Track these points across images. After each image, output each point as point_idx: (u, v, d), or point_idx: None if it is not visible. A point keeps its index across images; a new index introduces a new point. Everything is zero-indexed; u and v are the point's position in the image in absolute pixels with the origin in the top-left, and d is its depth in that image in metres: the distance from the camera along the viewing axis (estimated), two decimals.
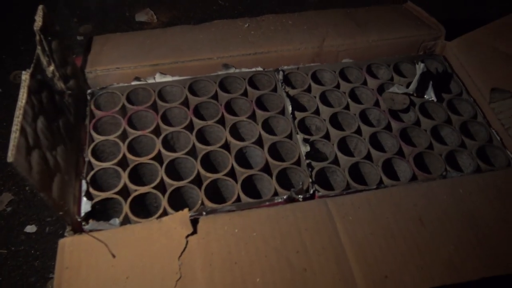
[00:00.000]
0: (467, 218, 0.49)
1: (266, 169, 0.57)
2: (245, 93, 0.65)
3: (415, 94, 0.64)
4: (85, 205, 0.51)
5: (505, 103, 0.61)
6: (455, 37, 0.72)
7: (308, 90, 0.67)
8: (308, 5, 1.22)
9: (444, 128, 0.61)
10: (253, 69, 0.67)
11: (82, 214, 0.50)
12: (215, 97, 0.65)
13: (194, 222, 0.48)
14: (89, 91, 0.63)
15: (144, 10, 1.18)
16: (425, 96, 0.64)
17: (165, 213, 0.52)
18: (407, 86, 0.65)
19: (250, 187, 0.56)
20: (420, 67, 0.63)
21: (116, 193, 0.53)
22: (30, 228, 0.78)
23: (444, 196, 0.51)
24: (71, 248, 0.46)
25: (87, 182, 0.53)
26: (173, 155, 0.57)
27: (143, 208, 0.55)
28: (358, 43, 0.70)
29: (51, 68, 0.53)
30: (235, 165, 0.56)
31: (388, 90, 0.65)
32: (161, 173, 0.55)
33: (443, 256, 0.47)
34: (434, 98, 0.63)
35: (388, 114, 0.62)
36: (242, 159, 0.59)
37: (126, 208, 0.52)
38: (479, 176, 0.54)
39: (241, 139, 0.60)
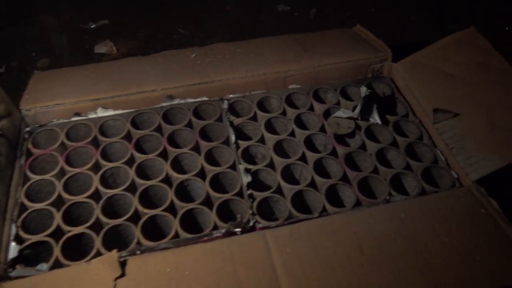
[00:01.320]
0: (408, 244, 0.48)
1: (208, 201, 0.56)
2: (189, 124, 0.64)
3: (359, 118, 0.63)
4: (13, 250, 0.49)
5: (448, 123, 0.60)
6: (401, 59, 0.72)
7: (254, 118, 0.66)
8: (269, 30, 1.22)
9: (389, 151, 0.61)
10: (198, 99, 0.67)
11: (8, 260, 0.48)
12: (159, 129, 0.64)
13: (126, 263, 0.46)
14: (27, 129, 0.62)
15: (104, 41, 1.18)
16: (370, 120, 0.64)
17: (98, 255, 0.50)
18: (354, 110, 0.65)
19: (191, 222, 0.54)
20: (363, 90, 0.63)
21: (48, 235, 0.51)
22: None
23: (386, 222, 0.50)
24: None
25: (16, 226, 0.51)
26: (111, 191, 0.55)
27: (80, 250, 0.53)
28: (305, 68, 0.70)
29: None
30: (175, 200, 0.54)
31: (334, 114, 0.64)
32: (97, 211, 0.53)
33: (382, 286, 0.45)
34: (379, 121, 0.63)
35: (334, 139, 0.62)
36: (183, 192, 0.57)
37: (57, 251, 0.49)
38: (422, 199, 0.53)
39: (183, 171, 0.58)
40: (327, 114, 0.65)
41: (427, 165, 0.58)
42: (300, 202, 0.56)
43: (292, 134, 0.63)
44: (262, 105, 0.67)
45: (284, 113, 0.66)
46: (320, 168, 0.59)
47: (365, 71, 0.73)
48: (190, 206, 0.54)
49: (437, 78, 0.66)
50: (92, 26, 1.24)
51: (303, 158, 0.60)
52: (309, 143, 0.62)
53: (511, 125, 0.57)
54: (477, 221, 0.50)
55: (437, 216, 0.51)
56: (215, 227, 0.52)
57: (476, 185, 0.54)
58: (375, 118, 0.63)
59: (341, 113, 0.64)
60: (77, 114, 0.63)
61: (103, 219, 0.52)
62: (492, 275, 0.46)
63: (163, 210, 0.53)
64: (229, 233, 0.50)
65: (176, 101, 0.66)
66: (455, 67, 0.66)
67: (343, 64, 0.71)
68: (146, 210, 0.53)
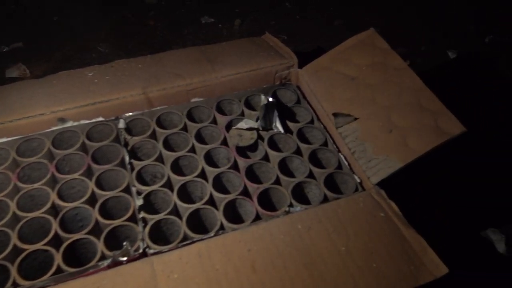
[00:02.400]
0: (303, 257, 0.46)
1: (97, 230, 0.52)
2: (83, 147, 0.60)
3: (261, 128, 0.61)
4: None
5: (350, 127, 0.59)
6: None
7: (153, 136, 0.62)
8: (194, 43, 1.20)
9: (293, 160, 0.59)
10: (93, 120, 0.62)
11: None
12: (49, 155, 0.59)
13: None
14: None
15: (16, 65, 1.11)
16: (273, 129, 0.62)
17: None
18: (258, 120, 0.62)
19: (77, 254, 0.50)
20: (261, 98, 0.60)
21: None
22: None
23: (282, 236, 0.48)
24: None
25: None
26: None
27: None
28: (208, 80, 0.67)
29: None
30: (59, 231, 0.50)
31: (235, 126, 0.62)
32: None
33: None
34: (281, 130, 0.61)
35: (235, 151, 0.59)
36: (71, 222, 0.53)
37: None
38: (321, 208, 0.51)
39: (72, 199, 0.54)
40: (230, 126, 0.63)
41: (330, 171, 0.56)
42: (198, 222, 0.52)
43: (193, 150, 0.60)
44: (162, 122, 0.64)
45: (185, 128, 0.63)
46: (220, 184, 0.56)
47: (272, 79, 0.71)
48: (75, 237, 0.49)
49: (339, 82, 0.65)
50: (5, 50, 1.17)
51: (203, 175, 0.57)
52: (210, 158, 0.59)
53: (407, 124, 0.56)
54: (375, 225, 0.49)
55: (335, 224, 0.49)
56: (103, 257, 0.48)
57: (376, 188, 0.53)
58: (278, 127, 0.61)
59: (243, 124, 0.61)
60: None
61: None
62: (388, 281, 0.44)
63: (46, 244, 0.49)
64: (116, 263, 0.47)
65: (68, 124, 0.62)
66: (357, 69, 0.65)
67: (248, 73, 0.69)
68: (25, 246, 0.49)
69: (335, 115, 0.59)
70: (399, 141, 0.55)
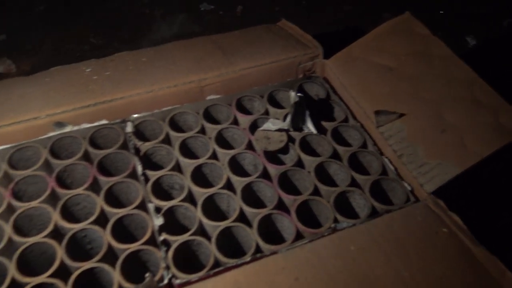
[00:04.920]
0: (361, 286, 0.39)
1: (111, 256, 0.44)
2: (86, 156, 0.52)
3: (292, 129, 0.53)
4: None
5: (393, 126, 0.52)
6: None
7: (167, 140, 0.54)
8: (192, 32, 1.11)
9: (330, 165, 0.51)
10: (96, 124, 0.54)
11: None
12: (47, 167, 0.51)
13: None
14: None
15: (1, 59, 1.01)
16: (304, 129, 0.54)
17: None
18: (285, 119, 0.55)
19: (91, 286, 0.42)
20: (291, 95, 0.53)
21: None
22: None
23: (333, 260, 0.40)
24: None
25: None
26: None
27: None
28: (224, 74, 0.59)
29: None
30: (66, 260, 0.42)
31: (262, 127, 0.54)
32: None
33: None
34: (314, 130, 0.53)
35: (264, 157, 0.51)
36: (79, 247, 0.45)
37: None
38: (373, 224, 0.44)
39: (77, 219, 0.46)
40: (254, 127, 0.55)
41: (376, 178, 0.49)
42: (229, 242, 0.45)
43: (214, 156, 0.52)
44: (176, 124, 0.56)
45: (203, 130, 0.55)
46: (251, 195, 0.48)
47: (295, 71, 0.63)
48: (86, 266, 0.42)
49: (374, 73, 0.57)
50: None
51: (229, 185, 0.49)
52: (236, 165, 0.51)
53: (462, 123, 0.49)
54: (439, 244, 0.42)
55: (393, 244, 0.42)
56: None
57: (433, 198, 0.46)
58: (309, 127, 0.54)
59: (270, 124, 0.53)
60: None
61: None
62: None
63: (51, 276, 0.41)
64: None
65: (67, 129, 0.53)
66: (393, 59, 0.58)
67: (268, 66, 0.61)
68: (26, 279, 0.41)
69: (377, 112, 0.52)
70: (455, 143, 0.48)
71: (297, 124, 0.53)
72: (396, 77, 0.56)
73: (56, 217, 0.45)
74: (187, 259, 0.44)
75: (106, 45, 1.08)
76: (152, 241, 0.44)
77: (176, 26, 1.14)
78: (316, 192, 0.49)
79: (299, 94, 0.54)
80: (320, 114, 0.56)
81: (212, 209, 0.48)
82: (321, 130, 0.54)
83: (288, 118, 0.53)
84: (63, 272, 0.42)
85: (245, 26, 1.14)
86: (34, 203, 0.46)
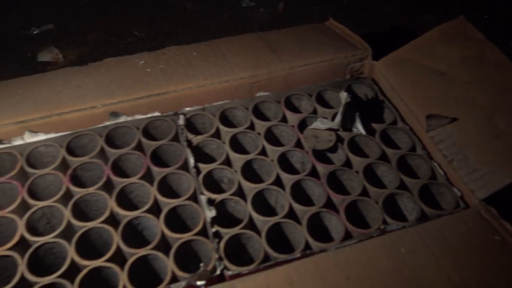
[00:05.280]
0: None
1: (164, 244, 0.45)
2: (139, 146, 0.53)
3: (341, 129, 0.54)
4: None
5: (444, 131, 0.52)
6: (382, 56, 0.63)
7: (217, 134, 0.55)
8: (234, 28, 1.12)
9: (379, 167, 0.51)
10: (149, 115, 0.56)
11: None
12: (102, 154, 0.53)
13: None
14: None
15: (48, 48, 1.04)
16: (353, 130, 0.54)
17: None
18: (334, 118, 0.55)
19: (143, 273, 0.44)
20: (343, 96, 0.53)
21: None
22: None
23: (384, 261, 0.41)
24: None
25: None
26: (40, 239, 0.44)
27: None
28: (274, 72, 0.60)
29: None
30: (122, 245, 0.44)
31: (311, 126, 0.54)
32: (22, 268, 0.42)
33: None
34: (363, 131, 0.54)
35: (312, 155, 0.52)
36: (134, 233, 0.46)
37: None
38: (423, 227, 0.44)
39: (132, 206, 0.47)
40: (302, 125, 0.55)
41: (425, 182, 0.49)
42: (277, 237, 0.46)
43: (263, 151, 0.53)
44: (225, 118, 0.57)
45: (252, 126, 0.56)
46: (299, 193, 0.49)
47: (342, 72, 0.63)
48: (141, 252, 0.43)
49: (426, 77, 0.57)
50: (35, 32, 1.11)
51: (278, 181, 0.50)
52: (284, 162, 0.52)
53: None
54: (492, 251, 0.42)
55: (444, 249, 0.42)
56: (174, 279, 0.42)
57: (484, 205, 0.46)
58: (359, 128, 0.54)
59: (319, 123, 0.54)
60: None
61: (30, 277, 0.41)
62: None
63: (107, 260, 0.43)
64: (190, 287, 0.40)
65: (122, 119, 0.55)
66: (446, 63, 0.57)
67: (317, 65, 0.61)
68: (85, 262, 0.42)
69: (429, 116, 0.52)
70: (509, 150, 0.48)
71: (346, 124, 0.54)
72: (448, 82, 0.55)
73: (112, 203, 0.47)
74: (237, 252, 0.45)
75: (149, 38, 1.10)
76: (202, 232, 0.45)
77: (218, 22, 1.15)
78: (364, 192, 0.49)
79: (350, 95, 0.54)
80: (369, 115, 0.56)
81: (261, 204, 0.49)
82: (369, 131, 0.54)
83: (338, 118, 0.53)
84: (118, 258, 0.44)
85: (285, 23, 1.15)
86: (91, 189, 0.48)
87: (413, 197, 0.48)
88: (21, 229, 0.45)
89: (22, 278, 0.42)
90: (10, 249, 0.43)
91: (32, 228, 0.45)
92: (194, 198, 0.48)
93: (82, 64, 0.64)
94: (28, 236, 0.44)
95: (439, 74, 0.56)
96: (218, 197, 0.47)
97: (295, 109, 0.59)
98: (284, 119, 0.57)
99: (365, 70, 0.64)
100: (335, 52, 0.63)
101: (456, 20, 0.60)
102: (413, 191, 0.48)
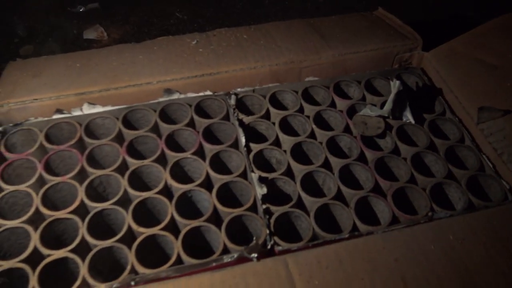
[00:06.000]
0: (460, 275, 0.40)
1: (216, 217, 0.47)
2: (191, 123, 0.55)
3: (390, 117, 0.54)
4: None
5: (495, 124, 0.52)
6: (432, 47, 0.63)
7: (267, 116, 0.57)
8: (275, 14, 1.12)
9: (427, 156, 0.52)
10: (201, 94, 0.57)
11: None
12: (155, 129, 0.54)
13: None
14: None
15: (93, 26, 1.07)
16: (402, 118, 0.55)
17: (85, 285, 0.41)
18: (382, 106, 0.56)
19: (196, 242, 0.45)
20: (395, 84, 0.53)
21: (23, 260, 0.42)
22: None
23: (432, 246, 0.42)
24: None
25: None
26: (99, 205, 0.46)
27: (63, 278, 0.44)
28: (323, 58, 0.61)
29: None
30: (176, 216, 0.45)
31: (360, 112, 0.55)
32: (83, 230, 0.44)
33: None
34: (412, 120, 0.54)
35: (361, 141, 0.53)
36: (187, 206, 0.48)
37: (33, 281, 0.41)
38: (472, 216, 0.44)
39: (184, 180, 0.49)
40: (351, 111, 0.56)
41: (473, 173, 0.49)
42: (325, 218, 0.47)
43: (312, 135, 0.54)
44: (275, 101, 0.58)
45: (301, 110, 0.57)
46: (346, 176, 0.50)
47: (391, 61, 0.64)
48: (195, 223, 0.45)
49: (477, 70, 0.57)
50: (81, 10, 1.14)
51: (326, 164, 0.51)
52: (333, 146, 0.53)
53: None
54: None
55: (492, 238, 0.42)
56: (225, 250, 0.44)
57: None
58: (408, 117, 0.54)
59: (368, 110, 0.55)
60: (59, 111, 0.54)
61: (90, 240, 0.43)
62: None
63: (162, 229, 0.44)
64: (242, 259, 0.42)
65: (175, 96, 0.57)
66: (499, 57, 0.57)
67: (366, 53, 0.62)
68: (141, 229, 0.44)
69: (480, 109, 0.52)
70: None
71: (396, 112, 0.54)
72: (501, 76, 0.55)
73: (166, 175, 0.49)
74: (285, 230, 0.47)
75: (190, 21, 1.12)
76: (252, 209, 0.47)
77: (258, 9, 1.16)
78: (411, 180, 0.49)
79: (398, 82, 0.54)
80: (419, 105, 0.56)
81: (309, 185, 0.50)
82: (418, 120, 0.55)
83: (388, 106, 0.54)
84: (173, 227, 0.46)
85: (328, 10, 1.14)
86: (146, 161, 0.50)
87: (461, 187, 0.48)
88: (81, 195, 0.47)
89: (83, 240, 0.44)
90: (71, 212, 0.46)
91: (90, 195, 0.48)
92: (244, 175, 0.50)
93: (125, 43, 0.66)
94: (87, 201, 0.47)
95: (491, 67, 0.56)
96: (269, 175, 0.49)
97: (343, 95, 0.59)
98: (332, 105, 0.58)
99: (414, 60, 0.64)
100: (384, 41, 0.63)
101: (510, 14, 0.60)
102: (460, 181, 0.49)
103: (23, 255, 0.42)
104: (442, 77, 0.58)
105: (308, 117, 0.55)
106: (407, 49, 0.63)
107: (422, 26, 0.66)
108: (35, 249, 0.43)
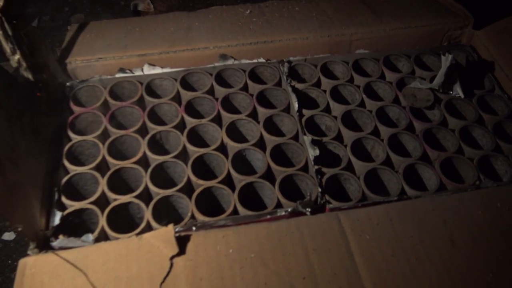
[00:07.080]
0: (507, 239, 0.41)
1: (269, 175, 0.49)
2: (245, 88, 0.57)
3: (440, 90, 0.55)
4: (56, 218, 0.44)
5: None
6: (483, 26, 0.63)
7: (317, 84, 0.58)
8: None
9: (475, 129, 0.53)
10: (255, 61, 0.59)
11: (51, 227, 0.43)
12: (211, 91, 0.57)
13: (181, 239, 0.40)
14: (67, 84, 0.56)
15: None
16: (451, 92, 0.56)
17: (148, 228, 0.44)
18: (430, 81, 0.57)
19: (250, 197, 0.48)
20: (448, 59, 0.54)
21: (92, 202, 0.46)
22: (8, 235, 0.71)
23: (479, 211, 0.43)
24: (32, 270, 0.38)
25: (58, 190, 0.46)
26: (160, 158, 0.49)
27: (126, 221, 0.47)
28: (374, 31, 0.62)
29: (16, 57, 0.45)
30: (232, 171, 0.48)
31: (409, 85, 0.56)
32: (146, 179, 0.47)
33: (479, 285, 0.38)
34: (461, 95, 0.55)
35: (410, 112, 0.54)
36: (241, 163, 0.51)
37: (102, 220, 0.44)
38: None
39: (239, 140, 0.52)
40: (400, 84, 0.58)
41: None
42: (373, 182, 0.49)
43: (361, 104, 0.56)
44: (326, 70, 0.60)
45: (351, 80, 0.59)
46: (395, 145, 0.52)
47: (440, 38, 0.64)
48: (250, 179, 0.47)
49: None
50: None
51: (375, 132, 0.53)
52: (382, 116, 0.55)
53: None
54: None
55: None
56: (278, 205, 0.46)
57: None
58: (458, 91, 0.55)
59: (418, 83, 0.56)
60: (122, 70, 0.57)
61: (153, 188, 0.47)
62: None
63: (219, 182, 0.47)
64: (296, 213, 0.44)
65: (230, 61, 0.59)
66: None
67: (417, 29, 0.63)
68: (200, 181, 0.47)
69: None
70: None
71: (446, 86, 0.55)
72: None
73: (222, 134, 0.52)
74: (335, 191, 0.49)
75: None
76: (304, 169, 0.49)
77: None
78: (459, 152, 0.51)
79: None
80: (468, 80, 0.57)
81: (358, 151, 0.52)
82: (468, 95, 0.56)
83: (438, 79, 0.55)
84: (228, 182, 0.49)
85: None
86: (204, 121, 0.53)
87: (508, 160, 0.49)
88: (143, 147, 0.50)
89: (146, 188, 0.47)
90: (135, 163, 0.49)
91: (151, 148, 0.51)
92: (296, 138, 0.52)
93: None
94: (149, 154, 0.50)
95: None
96: (320, 139, 0.51)
97: (393, 69, 0.60)
98: (382, 77, 0.59)
99: (464, 38, 0.64)
100: (435, 17, 0.64)
101: None
102: (508, 156, 0.50)
103: (92, 198, 0.46)
104: (493, 55, 0.59)
105: (358, 87, 0.57)
106: (458, 27, 0.63)
107: (473, 5, 0.67)
108: (103, 193, 0.46)
